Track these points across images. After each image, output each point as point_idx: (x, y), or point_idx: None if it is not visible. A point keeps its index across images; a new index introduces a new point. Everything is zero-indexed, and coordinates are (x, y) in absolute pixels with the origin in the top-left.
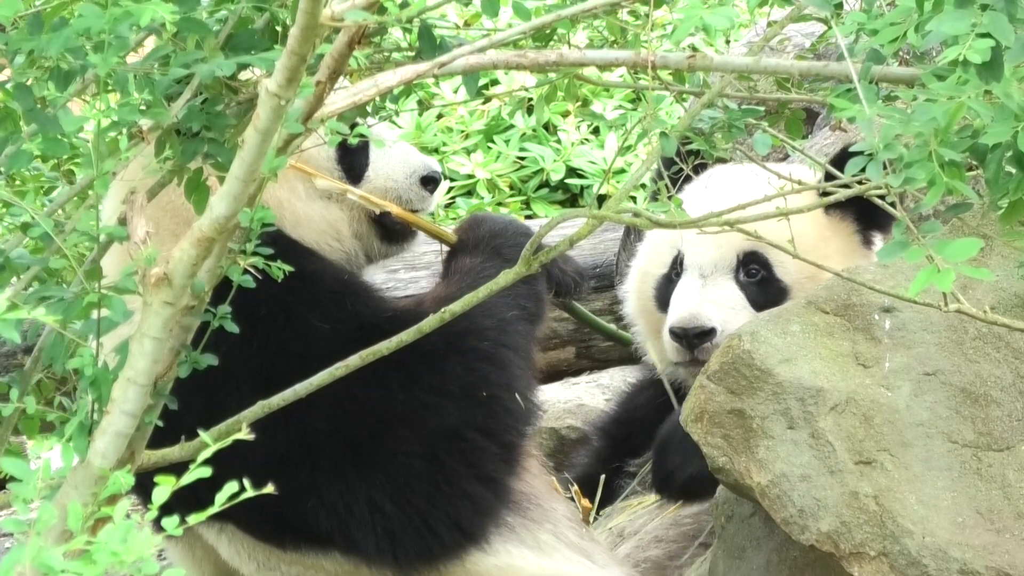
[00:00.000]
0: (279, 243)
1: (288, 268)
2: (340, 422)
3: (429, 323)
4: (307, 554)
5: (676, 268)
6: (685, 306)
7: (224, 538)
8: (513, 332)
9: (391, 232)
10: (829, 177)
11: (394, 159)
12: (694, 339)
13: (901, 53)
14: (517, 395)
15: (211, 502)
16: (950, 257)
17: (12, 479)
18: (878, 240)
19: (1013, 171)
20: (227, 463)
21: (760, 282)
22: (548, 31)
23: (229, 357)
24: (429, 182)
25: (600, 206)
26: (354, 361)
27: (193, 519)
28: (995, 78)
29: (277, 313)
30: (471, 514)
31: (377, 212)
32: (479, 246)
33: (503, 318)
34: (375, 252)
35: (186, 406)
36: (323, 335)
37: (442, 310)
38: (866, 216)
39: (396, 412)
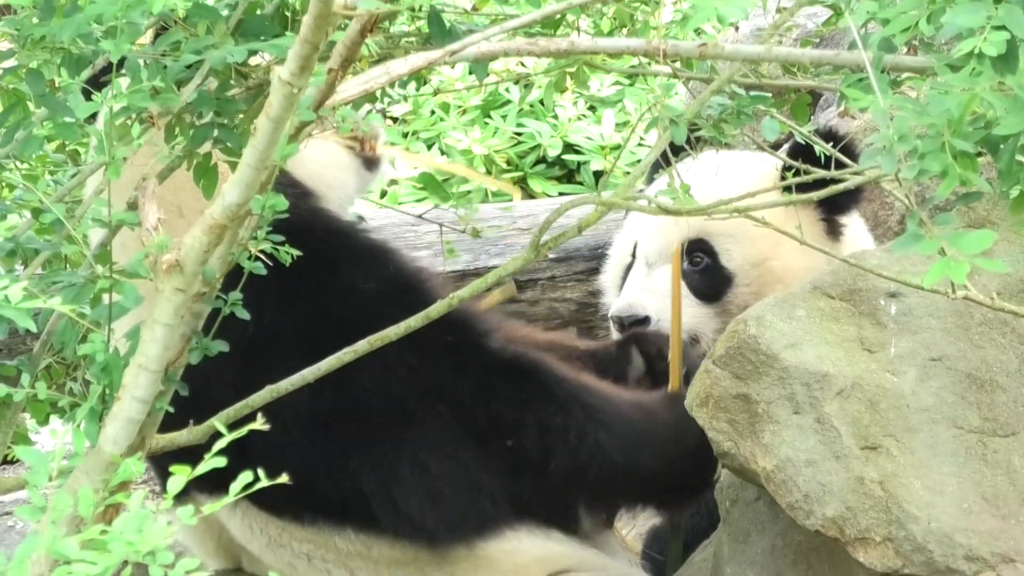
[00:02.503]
0: (308, 197)
1: (296, 253)
2: (390, 385)
3: (437, 308)
4: (322, 529)
5: (633, 256)
6: (625, 295)
7: (238, 512)
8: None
9: (369, 161)
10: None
11: None
12: (628, 327)
13: (911, 40)
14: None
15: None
16: (964, 249)
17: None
18: (846, 222)
19: None
20: (276, 415)
21: (704, 270)
22: (557, 18)
23: (273, 319)
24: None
25: (597, 183)
26: (362, 346)
27: (208, 509)
28: (1010, 70)
29: (320, 270)
30: (500, 496)
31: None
32: None
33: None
34: (364, 182)
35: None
36: (368, 295)
37: (450, 296)
38: (829, 200)
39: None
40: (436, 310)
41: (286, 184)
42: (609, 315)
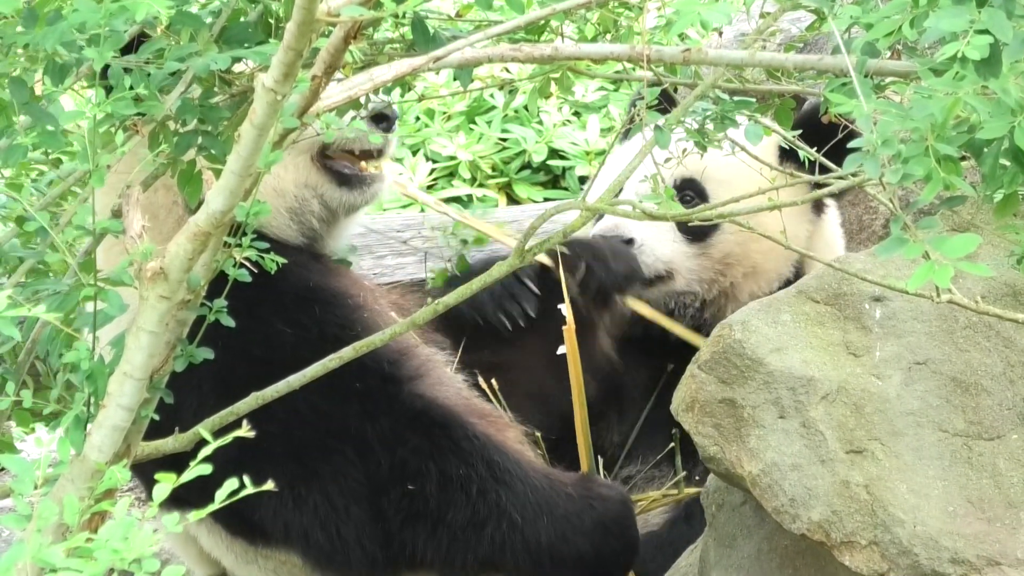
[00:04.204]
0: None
1: (281, 260)
2: (295, 429)
3: (423, 315)
4: (277, 550)
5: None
6: (611, 217)
7: (204, 528)
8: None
9: (346, 177)
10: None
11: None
12: None
13: (895, 44)
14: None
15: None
16: (948, 253)
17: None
18: (831, 204)
19: (1008, 164)
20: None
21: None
22: (541, 24)
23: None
24: (378, 119)
25: (582, 188)
26: (348, 353)
27: (194, 516)
28: (993, 74)
29: (240, 311)
30: (396, 540)
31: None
32: None
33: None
34: (335, 202)
35: None
36: (285, 340)
37: (436, 302)
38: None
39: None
40: (421, 316)
41: None
42: (591, 233)
